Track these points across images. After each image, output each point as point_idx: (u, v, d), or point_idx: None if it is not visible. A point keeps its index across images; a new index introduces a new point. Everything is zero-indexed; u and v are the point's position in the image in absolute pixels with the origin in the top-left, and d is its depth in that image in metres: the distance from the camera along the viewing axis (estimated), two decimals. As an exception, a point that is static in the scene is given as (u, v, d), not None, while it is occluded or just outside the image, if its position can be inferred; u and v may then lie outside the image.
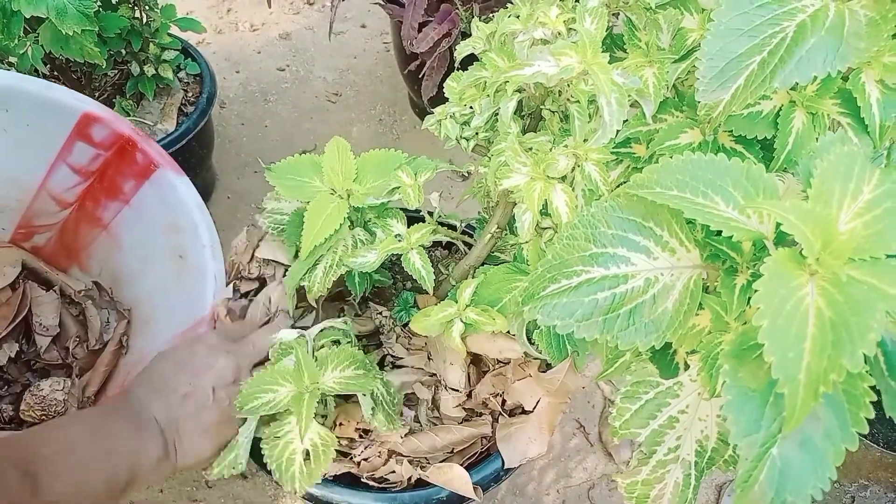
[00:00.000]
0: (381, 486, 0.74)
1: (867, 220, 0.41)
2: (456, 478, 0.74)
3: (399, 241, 0.70)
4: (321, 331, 0.69)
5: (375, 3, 1.32)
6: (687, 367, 0.47)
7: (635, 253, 0.46)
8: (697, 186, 0.45)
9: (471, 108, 0.68)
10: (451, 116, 0.66)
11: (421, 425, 0.78)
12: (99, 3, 1.14)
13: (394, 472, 0.74)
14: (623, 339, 0.44)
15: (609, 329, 0.44)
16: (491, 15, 1.07)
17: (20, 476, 0.53)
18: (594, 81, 0.51)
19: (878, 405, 0.42)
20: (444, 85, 0.68)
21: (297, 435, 0.60)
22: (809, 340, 0.37)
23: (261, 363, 0.71)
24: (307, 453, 0.60)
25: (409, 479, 0.74)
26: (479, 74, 0.67)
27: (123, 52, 1.19)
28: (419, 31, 1.03)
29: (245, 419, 0.64)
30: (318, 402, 0.60)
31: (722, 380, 0.38)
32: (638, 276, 0.45)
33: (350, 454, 0.74)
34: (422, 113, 1.37)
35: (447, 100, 0.70)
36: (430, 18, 1.10)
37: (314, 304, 0.76)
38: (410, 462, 0.75)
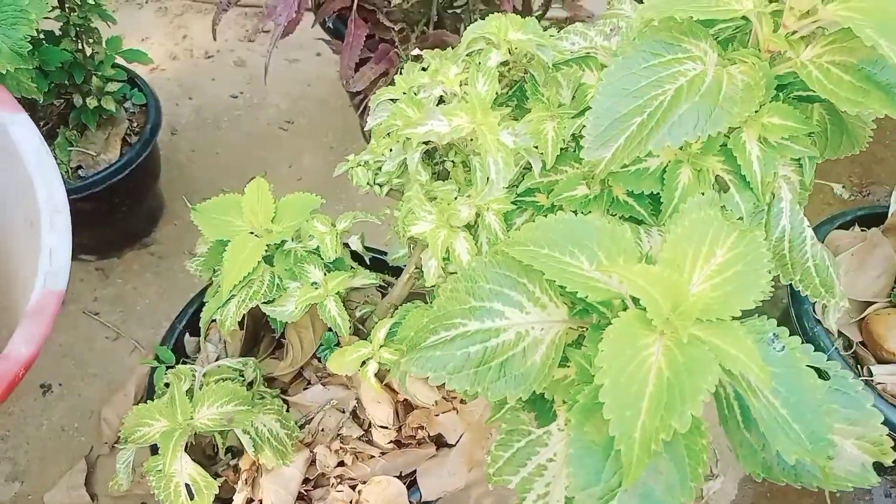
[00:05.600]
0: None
1: (717, 282, 0.44)
2: (394, 495, 0.76)
3: (316, 288, 0.72)
4: (218, 367, 0.71)
5: (319, 39, 1.35)
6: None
7: (509, 307, 0.48)
8: (566, 246, 0.47)
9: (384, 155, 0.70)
10: (362, 164, 0.68)
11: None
12: (42, 36, 1.15)
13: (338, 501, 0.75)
14: (493, 390, 0.46)
15: (480, 381, 0.46)
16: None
17: None
18: (482, 141, 0.53)
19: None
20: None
21: (180, 469, 0.62)
22: (647, 400, 0.39)
23: None
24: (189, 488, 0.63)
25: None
26: (391, 123, 0.69)
27: (67, 83, 1.19)
28: (356, 70, 1.06)
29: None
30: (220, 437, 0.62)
31: (568, 433, 0.40)
32: (510, 329, 0.47)
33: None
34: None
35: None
36: (370, 55, 1.13)
37: (229, 338, 0.78)
38: (352, 487, 0.77)
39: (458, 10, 1.26)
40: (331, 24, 1.31)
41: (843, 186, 1.64)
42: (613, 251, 0.46)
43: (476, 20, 1.24)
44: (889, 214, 1.03)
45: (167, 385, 0.71)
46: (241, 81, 1.78)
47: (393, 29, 1.10)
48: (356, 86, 1.04)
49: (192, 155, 1.60)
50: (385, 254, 0.96)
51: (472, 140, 0.61)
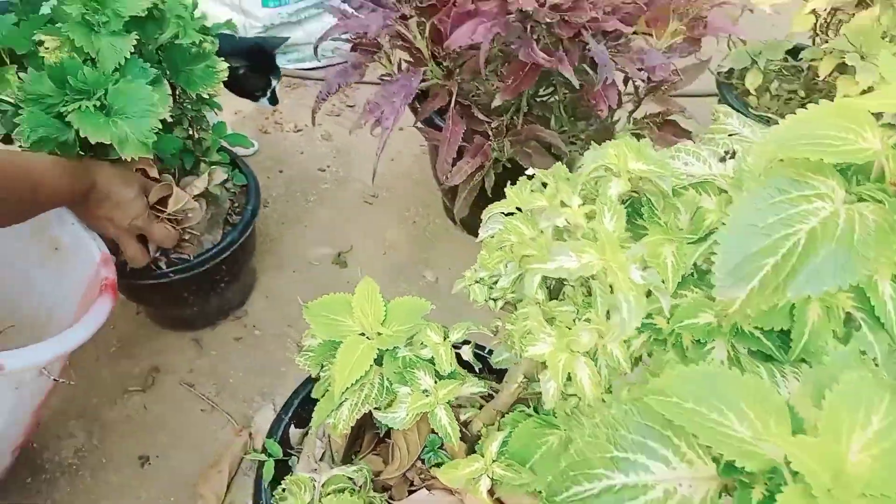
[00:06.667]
0: None
1: (875, 453, 0.43)
2: None
3: (426, 396, 0.73)
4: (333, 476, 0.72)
5: (410, 127, 1.39)
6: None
7: (654, 461, 0.48)
8: (713, 402, 0.47)
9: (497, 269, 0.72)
10: (478, 281, 0.70)
11: None
12: (160, 127, 1.23)
13: None
14: (641, 551, 0.46)
15: (628, 540, 0.46)
16: (524, 150, 1.12)
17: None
18: (612, 280, 0.54)
19: None
20: (479, 256, 0.71)
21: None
22: (816, 587, 0.38)
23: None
24: None
25: None
26: (505, 238, 0.71)
27: (173, 168, 1.27)
28: (453, 164, 1.09)
29: None
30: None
31: None
32: (657, 486, 0.47)
33: None
34: (453, 216, 1.41)
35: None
36: (464, 145, 1.16)
37: (339, 440, 0.79)
38: None
39: (545, 99, 1.29)
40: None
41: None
42: (761, 411, 0.46)
43: (564, 108, 1.26)
44: None
45: (284, 490, 0.73)
46: (328, 155, 1.85)
47: (488, 122, 1.13)
48: (453, 180, 1.07)
49: (281, 227, 1.66)
50: (483, 349, 0.97)
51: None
